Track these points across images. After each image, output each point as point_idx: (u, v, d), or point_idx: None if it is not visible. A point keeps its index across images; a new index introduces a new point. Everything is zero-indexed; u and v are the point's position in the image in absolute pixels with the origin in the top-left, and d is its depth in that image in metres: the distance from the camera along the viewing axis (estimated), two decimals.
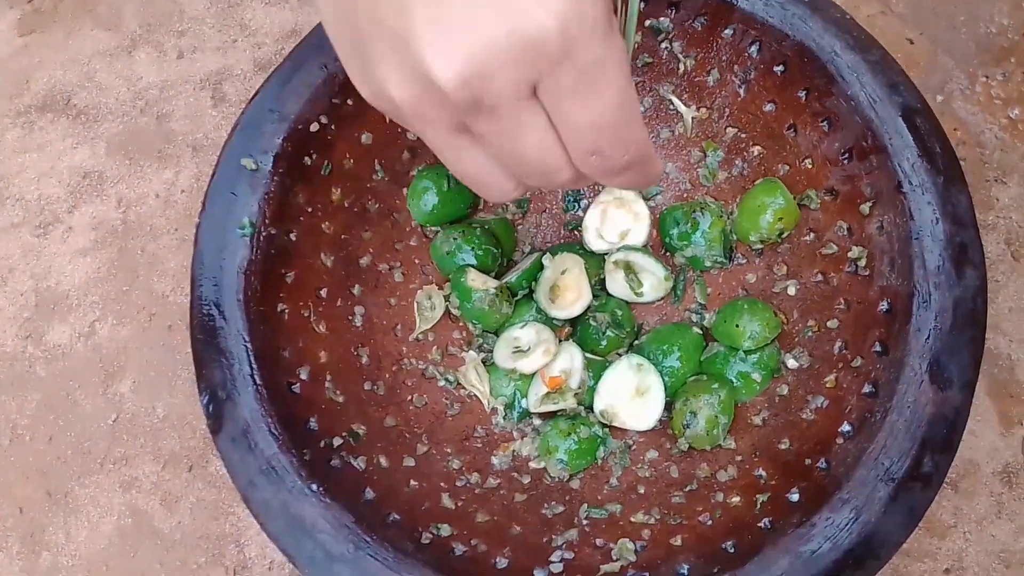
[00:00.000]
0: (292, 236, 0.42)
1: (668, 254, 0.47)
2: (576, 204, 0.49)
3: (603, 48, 0.21)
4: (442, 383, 0.45)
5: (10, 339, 0.55)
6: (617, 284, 0.45)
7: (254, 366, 0.38)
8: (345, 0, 0.23)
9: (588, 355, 0.45)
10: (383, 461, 0.40)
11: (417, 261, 0.47)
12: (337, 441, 0.39)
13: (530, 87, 0.22)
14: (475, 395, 0.45)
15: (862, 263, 0.41)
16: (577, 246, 0.47)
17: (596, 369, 0.44)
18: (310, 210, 0.43)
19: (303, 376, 0.40)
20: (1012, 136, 0.56)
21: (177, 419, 0.52)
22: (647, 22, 0.45)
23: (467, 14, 0.20)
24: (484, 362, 0.46)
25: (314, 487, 0.36)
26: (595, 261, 0.46)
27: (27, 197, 0.58)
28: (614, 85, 0.22)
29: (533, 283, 0.46)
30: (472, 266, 0.45)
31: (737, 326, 0.42)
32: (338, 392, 0.41)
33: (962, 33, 0.59)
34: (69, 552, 0.50)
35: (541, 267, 0.46)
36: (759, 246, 0.44)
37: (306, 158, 0.43)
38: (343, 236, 0.44)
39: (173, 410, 0.52)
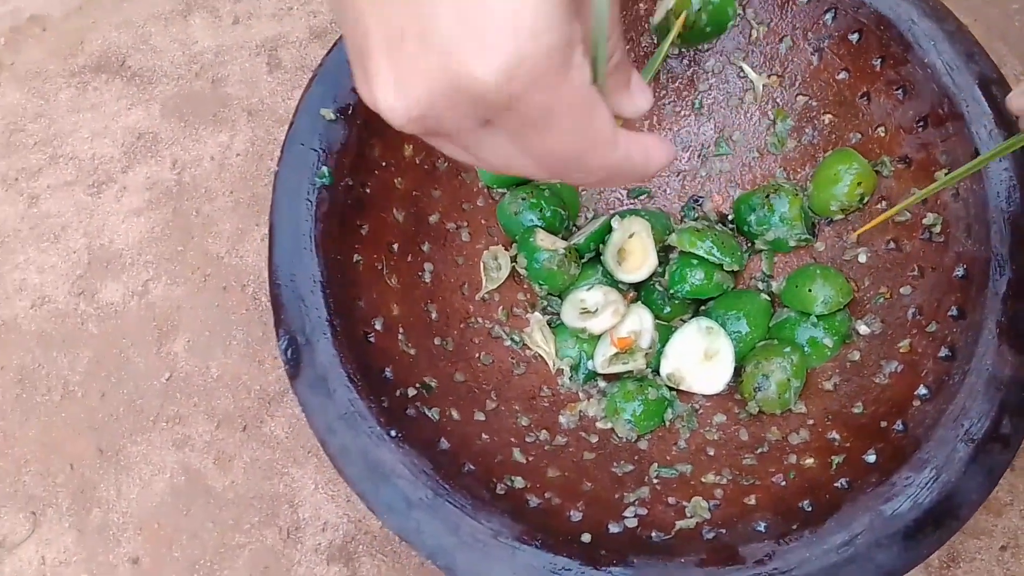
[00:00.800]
0: (367, 188, 0.42)
1: (748, 242, 0.47)
2: None
3: (550, 96, 0.21)
4: (508, 343, 0.45)
5: (63, 295, 0.55)
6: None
7: (332, 313, 0.38)
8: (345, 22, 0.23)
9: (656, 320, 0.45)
10: (455, 414, 0.40)
11: (483, 221, 0.47)
12: (411, 391, 0.39)
13: (482, 122, 0.22)
14: (540, 356, 0.45)
15: (936, 229, 0.41)
16: (643, 211, 0.47)
17: (662, 334, 0.44)
18: (384, 164, 0.43)
19: (377, 327, 0.40)
20: None
21: (231, 379, 0.52)
22: None
23: (416, 63, 0.21)
24: (549, 324, 0.46)
25: (393, 433, 0.36)
26: (661, 226, 0.46)
27: (81, 156, 0.58)
28: (566, 125, 0.22)
29: (600, 246, 0.46)
30: (540, 227, 0.45)
31: (810, 291, 0.42)
32: (410, 345, 0.41)
33: (1016, 20, 0.59)
34: (120, 510, 0.50)
35: (609, 230, 0.46)
36: (840, 215, 0.44)
37: None
38: (414, 192, 0.45)
39: (227, 370, 0.52)
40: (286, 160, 0.41)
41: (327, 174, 0.40)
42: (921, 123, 0.42)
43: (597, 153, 0.23)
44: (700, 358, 0.43)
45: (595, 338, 0.44)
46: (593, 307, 0.44)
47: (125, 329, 0.54)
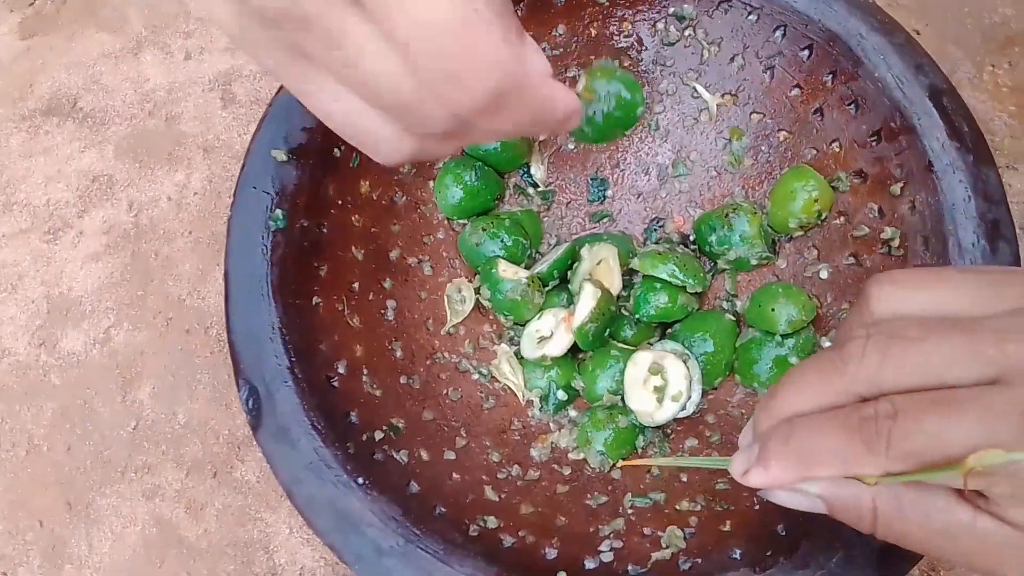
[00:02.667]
0: (323, 229, 0.42)
1: (710, 261, 0.47)
2: (602, 195, 0.48)
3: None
4: (476, 376, 0.44)
5: (23, 347, 0.53)
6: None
7: (293, 359, 0.37)
8: None
9: (620, 344, 0.45)
10: (424, 455, 0.40)
11: (445, 254, 0.47)
12: (378, 435, 0.39)
13: None
14: (510, 388, 0.44)
15: (895, 243, 0.41)
16: (606, 234, 0.47)
17: (629, 359, 0.44)
18: (340, 202, 0.43)
19: (340, 370, 0.40)
20: (1021, 123, 0.57)
21: (199, 425, 0.51)
22: (671, 9, 0.45)
23: None
24: (516, 355, 0.45)
25: (360, 480, 0.36)
26: (625, 249, 0.46)
27: (35, 202, 0.57)
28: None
29: (568, 273, 0.46)
30: (502, 257, 0.45)
31: (772, 310, 0.42)
32: (375, 386, 0.41)
33: (967, 24, 0.59)
34: (92, 564, 0.49)
35: (572, 257, 0.46)
36: (799, 232, 0.44)
37: (335, 150, 0.42)
38: (372, 229, 0.44)
39: (194, 416, 0.51)
40: (238, 204, 0.40)
41: (281, 217, 0.40)
42: (874, 137, 0.42)
43: (484, 46, 0.20)
44: (649, 390, 0.42)
45: (560, 365, 0.44)
46: (548, 331, 0.44)
47: (88, 378, 0.53)
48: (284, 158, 0.40)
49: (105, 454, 0.51)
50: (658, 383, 0.42)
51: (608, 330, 0.44)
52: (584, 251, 0.45)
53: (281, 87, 0.42)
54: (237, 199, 0.40)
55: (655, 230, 0.48)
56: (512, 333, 0.46)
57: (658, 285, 0.44)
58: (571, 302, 0.46)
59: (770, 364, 0.42)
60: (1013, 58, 0.59)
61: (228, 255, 0.39)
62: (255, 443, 0.50)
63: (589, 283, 0.43)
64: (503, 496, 0.39)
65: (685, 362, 0.43)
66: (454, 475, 0.39)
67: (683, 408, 0.42)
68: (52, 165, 0.58)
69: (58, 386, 0.53)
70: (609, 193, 0.48)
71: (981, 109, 0.57)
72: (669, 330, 0.45)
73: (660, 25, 0.45)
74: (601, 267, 0.44)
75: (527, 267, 0.46)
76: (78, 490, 0.50)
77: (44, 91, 0.61)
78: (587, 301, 0.42)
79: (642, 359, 0.42)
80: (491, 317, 0.46)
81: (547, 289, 0.46)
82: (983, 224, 0.38)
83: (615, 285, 0.45)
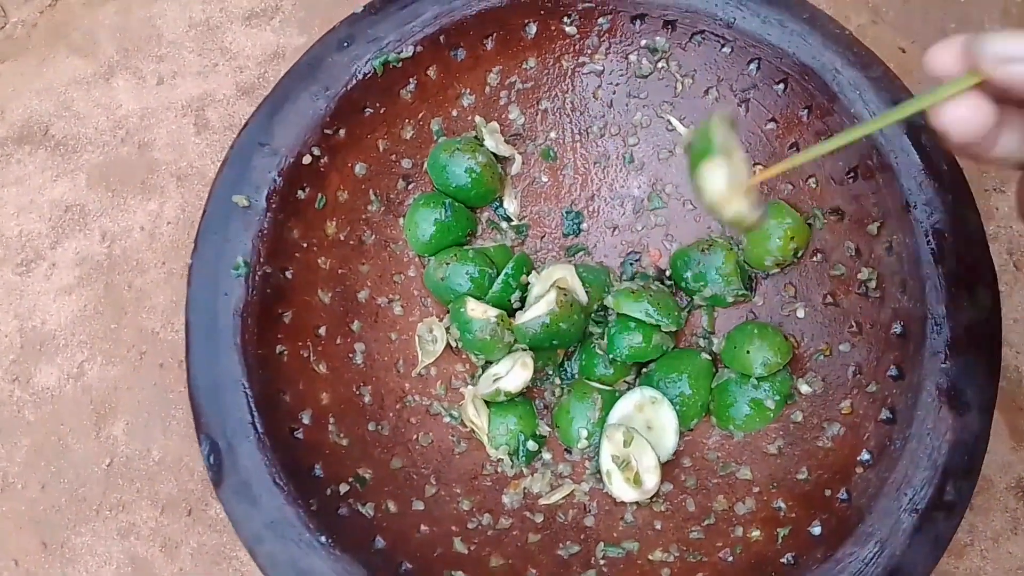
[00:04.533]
0: (288, 274, 0.41)
1: (686, 298, 0.46)
2: (577, 228, 0.47)
3: None
4: (447, 419, 0.44)
5: None
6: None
7: (255, 413, 0.37)
8: None
9: (595, 384, 0.44)
10: (391, 506, 0.39)
11: (416, 293, 0.46)
12: (344, 488, 0.38)
13: None
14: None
15: (872, 284, 0.40)
16: (581, 267, 0.46)
17: (605, 399, 0.43)
18: (305, 245, 0.42)
19: (305, 420, 0.39)
20: None
21: (173, 461, 0.50)
22: (643, 42, 0.44)
23: None
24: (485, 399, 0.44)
25: (323, 539, 0.35)
26: (600, 283, 0.45)
27: (7, 234, 0.57)
28: None
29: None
30: (468, 293, 0.44)
31: (748, 352, 0.41)
32: (342, 435, 0.40)
33: None
34: None
35: (524, 267, 0.44)
36: (776, 270, 0.43)
37: (299, 192, 0.41)
38: (340, 271, 0.43)
39: (169, 452, 0.51)
40: (200, 252, 0.39)
41: (243, 264, 0.39)
42: (851, 175, 0.41)
43: None
44: (620, 472, 0.41)
45: (530, 413, 0.43)
46: (504, 371, 0.43)
47: (62, 415, 0.52)
48: (246, 203, 0.40)
49: (80, 492, 0.51)
50: (632, 463, 0.41)
51: (560, 343, 0.44)
52: (532, 277, 0.44)
53: (245, 125, 0.41)
54: (198, 247, 0.39)
55: (631, 263, 0.47)
56: (483, 373, 0.45)
57: (632, 324, 0.43)
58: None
59: (747, 407, 0.42)
60: None
61: (189, 306, 0.38)
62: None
63: (554, 288, 0.42)
64: (472, 548, 0.39)
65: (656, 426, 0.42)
66: (422, 527, 0.39)
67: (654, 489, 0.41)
68: (24, 195, 0.57)
69: (32, 422, 0.52)
70: (584, 226, 0.47)
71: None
72: (644, 369, 0.45)
73: (632, 57, 0.44)
74: (552, 292, 0.43)
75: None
76: (53, 529, 0.50)
77: (15, 118, 0.60)
78: (542, 305, 0.42)
79: (616, 438, 0.42)
80: (463, 356, 0.45)
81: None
82: (961, 267, 0.37)
83: (582, 297, 0.44)
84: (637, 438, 0.41)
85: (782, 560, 0.36)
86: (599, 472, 0.42)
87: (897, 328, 0.38)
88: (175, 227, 0.56)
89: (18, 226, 0.57)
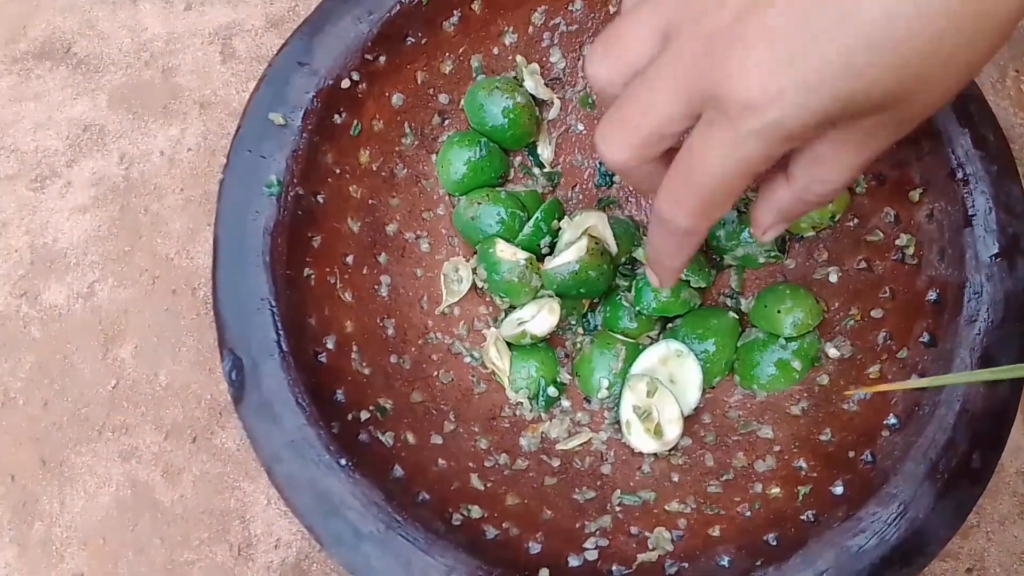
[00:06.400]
0: (319, 198, 0.40)
1: (716, 257, 0.45)
2: (610, 180, 0.47)
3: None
4: (468, 360, 0.43)
5: (3, 297, 0.52)
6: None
7: (280, 332, 0.36)
8: None
9: (619, 336, 0.44)
10: (410, 438, 0.38)
11: (444, 231, 0.45)
12: (364, 415, 0.37)
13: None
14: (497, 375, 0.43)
15: (910, 251, 0.40)
16: (611, 219, 0.45)
17: (628, 351, 0.43)
18: (338, 171, 0.41)
19: (329, 346, 0.38)
20: None
21: (180, 388, 0.50)
22: None
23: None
24: (507, 342, 0.44)
25: (343, 462, 0.35)
26: (629, 236, 0.45)
27: (23, 148, 0.55)
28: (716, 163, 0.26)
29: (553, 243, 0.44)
30: (498, 234, 0.43)
31: (778, 312, 0.41)
32: (364, 364, 0.39)
33: None
34: (64, 523, 0.48)
35: (556, 212, 0.44)
36: (811, 232, 0.43)
37: (335, 116, 0.41)
38: (370, 201, 0.42)
39: (176, 378, 0.50)
40: (232, 168, 0.38)
41: (276, 183, 0.38)
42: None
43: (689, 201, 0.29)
44: (643, 423, 0.41)
45: (552, 359, 0.43)
46: (529, 317, 0.42)
47: (69, 333, 0.51)
48: (282, 122, 0.39)
49: (83, 412, 0.50)
50: (654, 414, 0.41)
51: (588, 292, 0.43)
52: (564, 222, 0.44)
53: (281, 49, 0.40)
54: (230, 162, 0.38)
55: None
56: (506, 316, 0.45)
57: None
58: None
59: (772, 367, 0.41)
60: None
61: (218, 221, 0.37)
62: (234, 408, 0.49)
63: (585, 235, 0.42)
64: (489, 485, 0.38)
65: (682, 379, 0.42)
66: (440, 461, 0.38)
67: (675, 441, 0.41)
68: (43, 111, 0.56)
69: (38, 339, 0.51)
70: (617, 179, 0.47)
71: (1002, 116, 0.55)
72: (670, 324, 0.44)
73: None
74: (593, 232, 0.43)
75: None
76: (53, 447, 0.49)
77: (37, 34, 0.58)
78: (573, 251, 0.41)
79: (639, 388, 0.41)
80: (487, 299, 0.45)
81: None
82: (1003, 238, 0.37)
83: (612, 247, 0.43)
84: (661, 389, 0.41)
85: (802, 517, 0.36)
86: (618, 423, 0.41)
87: (932, 295, 0.38)
88: (195, 154, 0.55)
89: (35, 142, 0.55)
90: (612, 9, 0.44)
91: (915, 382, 0.27)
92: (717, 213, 0.29)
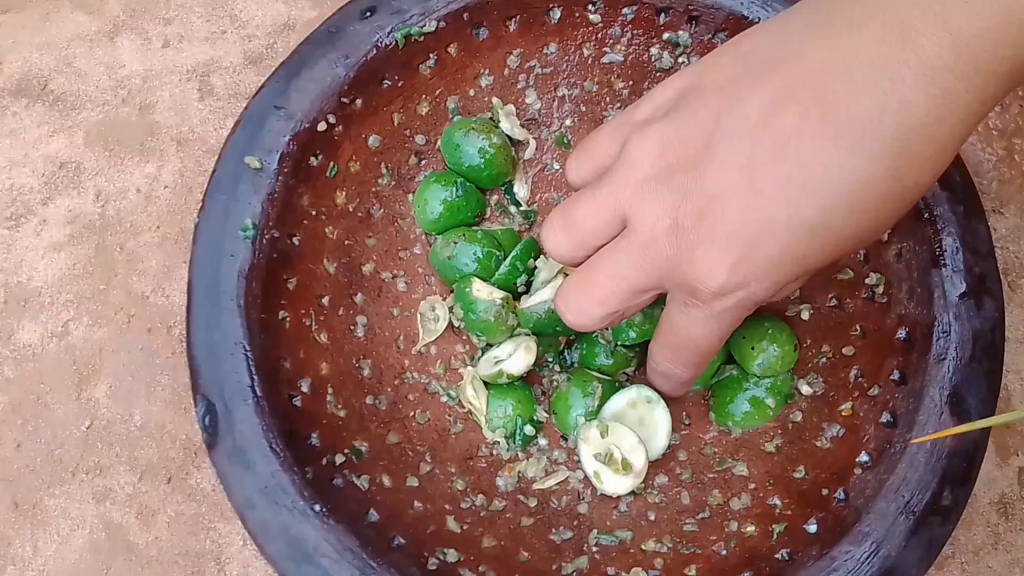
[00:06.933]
0: (295, 240, 0.40)
1: None
2: None
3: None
4: (444, 399, 0.43)
5: None
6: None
7: (255, 377, 0.36)
8: None
9: (595, 374, 0.44)
10: (386, 481, 0.38)
11: (421, 270, 0.45)
12: (339, 458, 0.37)
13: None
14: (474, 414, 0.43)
15: (879, 290, 0.40)
16: None
17: (605, 389, 0.43)
18: (314, 213, 0.41)
19: (304, 388, 0.38)
20: (1009, 167, 0.56)
21: (155, 428, 0.49)
22: (665, 35, 0.44)
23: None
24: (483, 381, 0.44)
25: (317, 508, 0.34)
26: None
27: None
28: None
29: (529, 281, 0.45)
30: (475, 273, 0.44)
31: (752, 348, 0.41)
32: (340, 406, 0.39)
33: None
34: (36, 567, 0.47)
35: (533, 251, 0.44)
36: None
37: (312, 158, 0.41)
38: (346, 242, 0.43)
39: (151, 418, 0.49)
40: (207, 211, 0.38)
41: (251, 226, 0.38)
42: None
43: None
44: (609, 469, 0.41)
45: (528, 398, 0.43)
46: (506, 355, 0.42)
47: (43, 373, 0.51)
48: (257, 165, 0.39)
49: (56, 453, 0.49)
50: (615, 453, 0.41)
51: (564, 331, 0.43)
52: (540, 261, 0.44)
53: (262, 87, 0.41)
54: (205, 205, 0.38)
55: None
56: (483, 355, 0.45)
57: None
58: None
59: (746, 404, 0.42)
60: (1004, 101, 0.58)
61: (193, 264, 0.37)
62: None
63: (561, 274, 0.42)
64: (465, 527, 0.38)
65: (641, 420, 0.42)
66: (416, 503, 0.38)
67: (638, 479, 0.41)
68: (18, 149, 0.56)
69: (11, 379, 0.51)
70: None
71: (969, 151, 0.56)
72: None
73: (654, 50, 0.44)
74: (568, 270, 0.43)
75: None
76: (26, 489, 0.48)
77: (14, 70, 0.58)
78: (548, 290, 0.42)
79: (592, 436, 0.41)
80: (464, 338, 0.45)
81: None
82: (970, 277, 0.38)
83: None
84: (611, 424, 0.41)
85: (776, 556, 0.36)
86: (587, 477, 0.42)
87: (902, 334, 0.39)
88: (172, 191, 0.55)
89: (9, 180, 0.55)
90: (586, 53, 0.45)
91: (968, 426, 0.29)
92: (708, 361, 0.35)
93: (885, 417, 0.38)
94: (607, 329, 0.40)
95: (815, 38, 0.28)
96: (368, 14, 0.42)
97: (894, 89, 0.26)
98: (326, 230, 0.42)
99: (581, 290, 0.33)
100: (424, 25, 0.42)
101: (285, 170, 0.39)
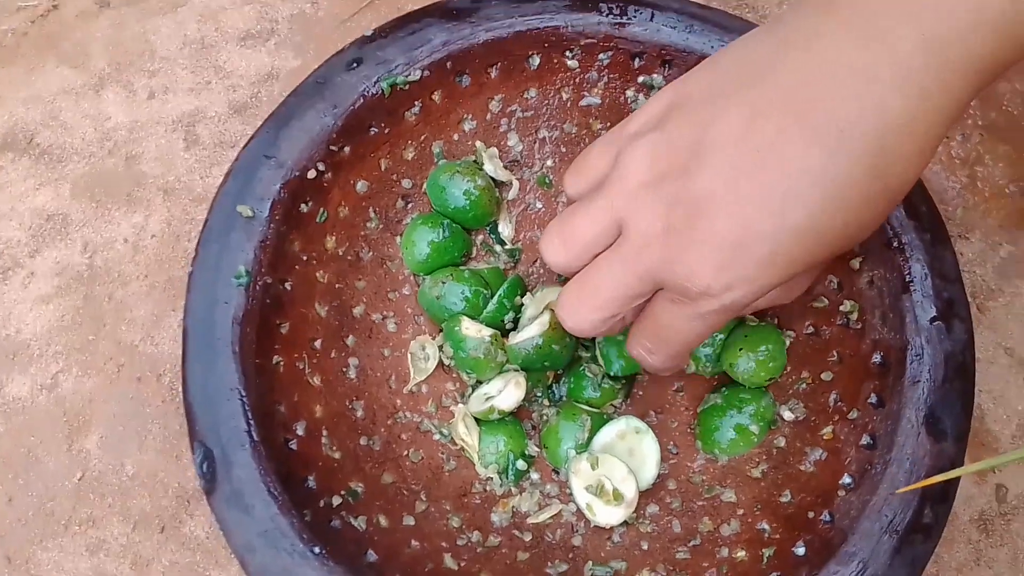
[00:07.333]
0: (287, 285, 0.41)
1: None
2: None
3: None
4: (437, 437, 0.44)
5: None
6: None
7: (251, 422, 0.37)
8: None
9: (583, 407, 0.45)
10: (383, 521, 0.39)
11: (410, 311, 0.46)
12: (336, 500, 0.38)
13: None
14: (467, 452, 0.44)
15: (853, 317, 0.42)
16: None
17: (593, 422, 0.44)
18: (305, 258, 0.42)
19: (299, 432, 0.39)
20: (972, 194, 0.58)
21: (148, 477, 0.49)
22: (640, 79, 0.46)
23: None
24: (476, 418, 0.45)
25: (316, 550, 0.35)
26: None
27: None
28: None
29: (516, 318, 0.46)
30: (463, 312, 0.45)
31: (740, 349, 0.42)
32: (334, 448, 0.40)
33: None
34: None
35: (519, 289, 0.45)
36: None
37: (302, 205, 0.42)
38: (337, 285, 0.44)
39: (143, 467, 0.50)
40: (201, 259, 0.39)
41: (244, 273, 0.39)
42: None
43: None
44: (600, 501, 0.42)
45: (519, 433, 0.44)
46: (496, 391, 0.43)
47: (33, 426, 0.51)
48: (249, 213, 0.40)
49: (48, 506, 0.49)
50: (607, 484, 0.42)
51: (552, 365, 0.44)
52: (526, 298, 0.45)
53: (252, 138, 0.42)
54: (199, 254, 0.39)
55: None
56: (473, 392, 0.46)
57: (621, 338, 0.44)
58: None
59: (731, 431, 0.43)
60: (965, 130, 0.61)
61: (187, 312, 0.38)
62: (204, 499, 0.49)
63: (547, 310, 0.43)
64: (463, 564, 0.39)
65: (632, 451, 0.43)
66: (413, 542, 0.39)
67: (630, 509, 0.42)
68: (5, 202, 0.56)
69: (1, 433, 0.51)
70: None
71: (935, 179, 0.59)
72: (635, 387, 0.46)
73: (630, 93, 0.46)
74: (554, 306, 0.44)
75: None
76: (18, 543, 0.48)
77: (0, 125, 0.59)
78: (535, 327, 0.43)
79: (582, 468, 0.42)
80: (454, 375, 0.46)
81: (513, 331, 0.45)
82: (939, 302, 0.40)
83: None
84: (600, 456, 0.42)
85: None
86: (579, 511, 0.42)
87: (877, 358, 0.40)
88: (159, 241, 0.55)
89: None
90: (565, 96, 0.47)
91: (992, 461, 0.31)
92: (683, 357, 0.36)
93: (865, 439, 0.39)
94: (606, 335, 0.40)
95: (791, 51, 0.29)
96: (355, 65, 0.43)
97: (871, 91, 0.27)
98: (317, 274, 0.43)
99: (580, 297, 0.34)
100: (409, 74, 0.44)
101: (276, 217, 0.40)
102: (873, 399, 0.40)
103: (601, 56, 0.45)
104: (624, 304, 0.33)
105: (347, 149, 0.43)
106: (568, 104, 0.47)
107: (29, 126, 0.59)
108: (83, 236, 0.56)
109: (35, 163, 0.58)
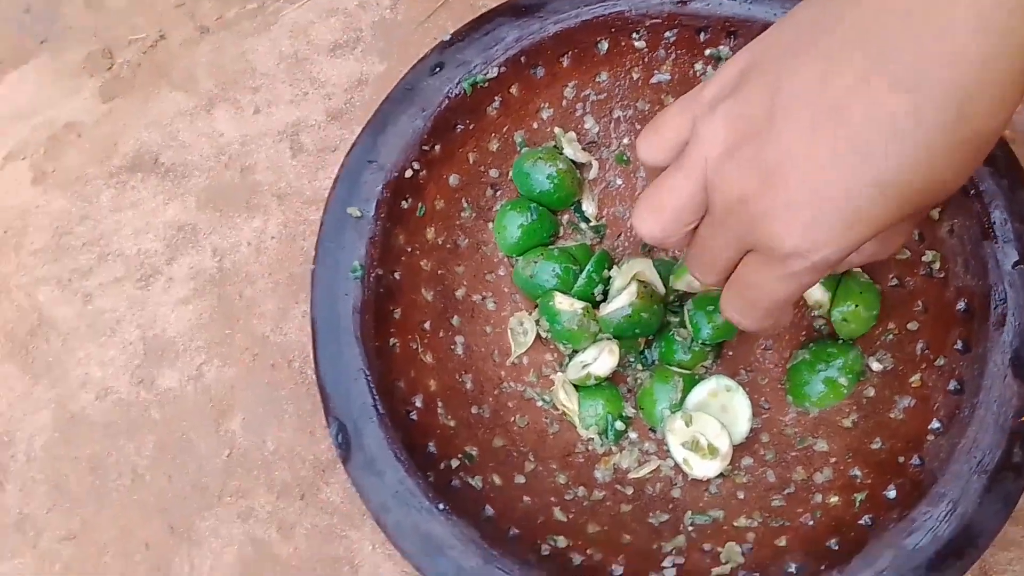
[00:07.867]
0: (396, 275, 0.45)
1: None
2: None
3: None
4: (540, 403, 0.48)
5: (124, 386, 0.59)
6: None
7: (376, 398, 0.41)
8: None
9: (675, 369, 0.48)
10: (496, 480, 0.43)
11: (507, 290, 0.50)
12: (455, 463, 0.42)
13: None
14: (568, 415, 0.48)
15: (936, 266, 0.43)
16: (656, 261, 0.49)
17: (685, 383, 0.47)
18: (409, 250, 0.46)
19: (418, 404, 0.43)
20: None
21: (287, 451, 0.55)
22: (707, 51, 0.48)
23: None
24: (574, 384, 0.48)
25: (441, 507, 0.39)
26: (668, 272, 0.49)
27: (127, 252, 0.63)
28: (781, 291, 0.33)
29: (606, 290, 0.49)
30: (555, 288, 0.48)
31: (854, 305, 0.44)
32: (449, 417, 0.44)
33: None
34: None
35: (606, 263, 0.48)
36: None
37: (403, 202, 0.46)
38: (439, 271, 0.48)
39: (282, 443, 0.56)
40: (320, 259, 0.44)
41: (359, 267, 0.44)
42: None
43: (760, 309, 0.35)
44: (697, 453, 0.45)
45: (616, 396, 0.47)
46: (591, 359, 0.47)
47: (185, 413, 0.58)
48: (358, 214, 0.44)
49: (203, 481, 0.56)
50: (701, 440, 0.44)
51: (642, 332, 0.47)
52: (614, 271, 0.48)
53: (353, 146, 0.46)
54: (318, 254, 0.44)
55: None
56: (570, 361, 0.49)
57: (710, 307, 0.46)
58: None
59: (821, 385, 0.45)
60: None
61: (313, 305, 0.43)
62: (338, 468, 0.54)
63: (634, 281, 0.46)
64: (571, 516, 0.43)
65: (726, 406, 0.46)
66: (525, 498, 0.43)
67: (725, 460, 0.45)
68: (140, 218, 0.63)
69: (157, 420, 0.58)
70: None
71: (1018, 120, 0.58)
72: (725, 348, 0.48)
73: (698, 66, 0.48)
74: (640, 276, 0.47)
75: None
76: (179, 515, 0.55)
77: (128, 149, 0.66)
78: (624, 297, 0.46)
79: (677, 427, 0.45)
80: (552, 347, 0.49)
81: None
82: (1020, 246, 0.40)
83: (659, 288, 0.47)
84: (695, 414, 0.45)
85: (860, 522, 0.39)
86: (677, 465, 0.45)
87: (961, 305, 0.41)
88: (278, 241, 0.61)
89: (136, 245, 0.63)
90: (635, 76, 0.49)
91: None
92: (774, 318, 0.35)
93: (952, 385, 0.40)
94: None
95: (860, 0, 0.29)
96: (437, 69, 0.47)
97: (948, 34, 0.26)
98: (421, 263, 0.47)
99: (692, 256, 0.35)
100: (487, 72, 0.47)
101: (382, 215, 0.45)
102: (959, 345, 0.41)
103: (667, 34, 0.47)
104: (724, 264, 0.34)
105: (438, 147, 0.47)
106: (639, 83, 0.49)
107: (153, 148, 0.66)
108: (211, 242, 0.62)
109: (162, 180, 0.65)
